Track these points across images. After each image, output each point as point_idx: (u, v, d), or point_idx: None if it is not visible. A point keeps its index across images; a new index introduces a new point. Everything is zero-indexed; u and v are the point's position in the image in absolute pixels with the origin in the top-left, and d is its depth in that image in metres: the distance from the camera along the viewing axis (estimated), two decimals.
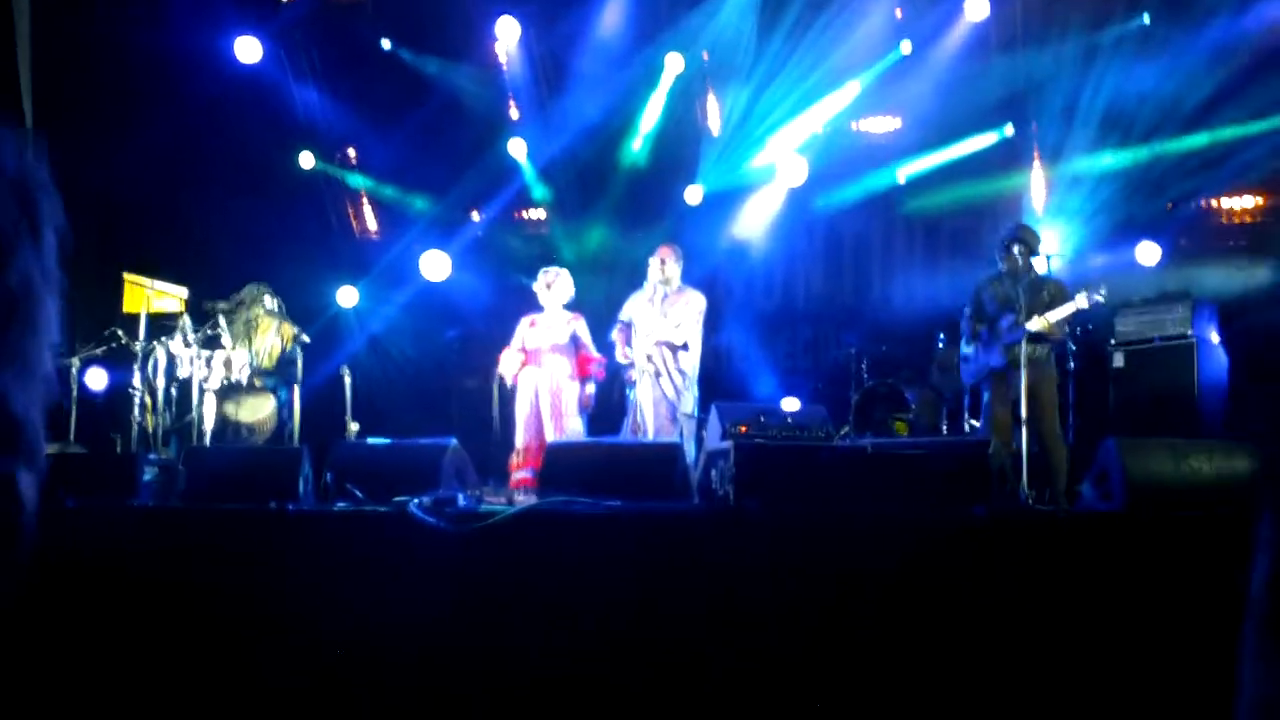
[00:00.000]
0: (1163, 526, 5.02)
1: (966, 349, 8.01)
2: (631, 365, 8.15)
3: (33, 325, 1.27)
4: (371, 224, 12.39)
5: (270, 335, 9.28)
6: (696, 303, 8.24)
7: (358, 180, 12.15)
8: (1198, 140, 9.87)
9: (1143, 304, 8.89)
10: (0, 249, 1.26)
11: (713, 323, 8.40)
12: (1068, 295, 7.50)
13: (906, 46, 10.65)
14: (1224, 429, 8.13)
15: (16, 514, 1.26)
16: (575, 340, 8.28)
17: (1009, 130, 10.64)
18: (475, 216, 11.91)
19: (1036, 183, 10.60)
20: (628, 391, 7.91)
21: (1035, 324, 7.44)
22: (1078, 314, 7.64)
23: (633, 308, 8.29)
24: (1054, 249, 8.31)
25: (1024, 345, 7.24)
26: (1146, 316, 8.80)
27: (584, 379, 8.23)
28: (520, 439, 8.15)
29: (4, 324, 1.25)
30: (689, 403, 8.06)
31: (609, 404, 8.87)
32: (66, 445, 8.25)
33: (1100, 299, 7.43)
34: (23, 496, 1.25)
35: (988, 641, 4.86)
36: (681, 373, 8.11)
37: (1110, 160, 10.14)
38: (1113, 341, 8.94)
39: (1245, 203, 10.21)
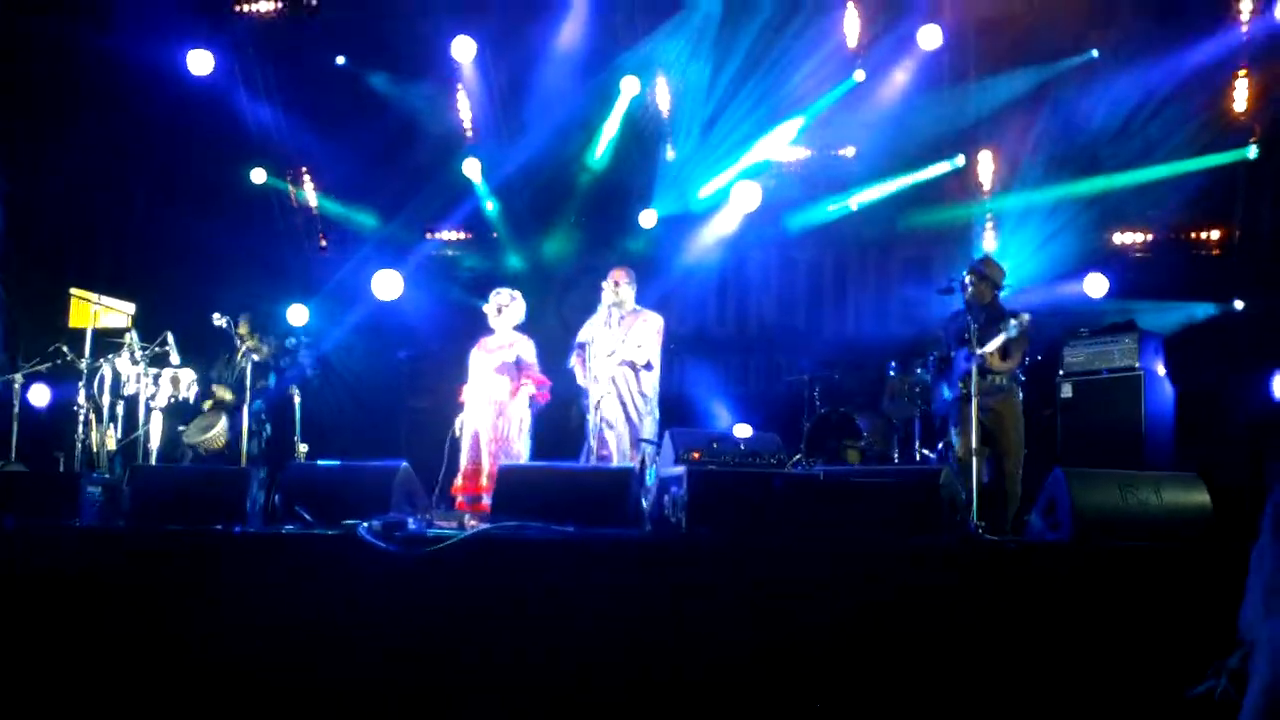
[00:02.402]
0: (1110, 557, 5.07)
1: (936, 384, 8.16)
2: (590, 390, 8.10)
3: None
4: (323, 242, 12.28)
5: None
6: (655, 322, 8.21)
7: (310, 197, 12.04)
8: (1144, 174, 10.01)
9: (1090, 335, 8.99)
10: None
11: (665, 348, 8.36)
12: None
13: (860, 75, 10.74)
14: (1173, 461, 8.22)
15: None
16: (519, 362, 8.20)
17: (960, 161, 10.73)
18: (428, 235, 11.86)
19: (987, 213, 10.69)
20: (587, 416, 7.85)
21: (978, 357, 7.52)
22: (1029, 344, 7.73)
23: (589, 331, 8.23)
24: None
25: (974, 375, 7.29)
26: (1094, 348, 8.90)
27: (531, 401, 8.15)
28: (462, 462, 8.07)
29: None
30: (650, 427, 8.01)
31: (568, 428, 8.80)
32: (7, 464, 8.10)
33: (1017, 327, 7.46)
34: None
35: (937, 668, 4.88)
36: (644, 396, 8.07)
37: (1059, 192, 10.25)
38: (1061, 373, 9.03)
39: (1200, 236, 10.30)
